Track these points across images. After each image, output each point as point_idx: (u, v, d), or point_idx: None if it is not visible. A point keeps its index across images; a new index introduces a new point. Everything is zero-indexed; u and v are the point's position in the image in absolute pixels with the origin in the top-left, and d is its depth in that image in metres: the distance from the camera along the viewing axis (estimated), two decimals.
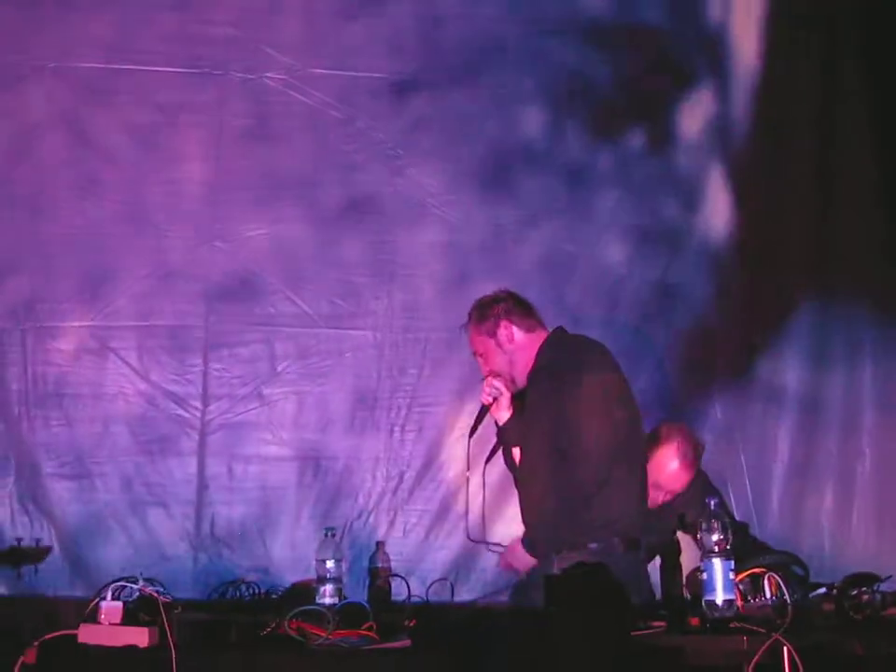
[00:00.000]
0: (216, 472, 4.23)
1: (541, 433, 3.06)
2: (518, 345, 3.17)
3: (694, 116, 4.55)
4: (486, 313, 3.23)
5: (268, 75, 4.38)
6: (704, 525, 2.83)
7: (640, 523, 3.14)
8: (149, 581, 2.95)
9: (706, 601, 2.80)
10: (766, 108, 4.56)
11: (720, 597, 2.77)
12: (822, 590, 2.98)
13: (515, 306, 3.24)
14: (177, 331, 4.31)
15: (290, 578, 3.44)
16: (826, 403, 4.49)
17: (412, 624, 2.82)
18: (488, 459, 3.25)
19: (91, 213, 4.30)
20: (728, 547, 2.77)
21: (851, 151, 4.51)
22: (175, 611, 2.77)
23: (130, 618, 2.80)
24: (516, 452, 3.20)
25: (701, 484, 3.68)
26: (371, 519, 4.22)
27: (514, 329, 3.19)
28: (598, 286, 4.43)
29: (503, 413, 3.20)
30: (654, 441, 3.56)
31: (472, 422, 3.28)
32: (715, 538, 2.80)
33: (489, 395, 3.20)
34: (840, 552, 4.36)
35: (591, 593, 2.66)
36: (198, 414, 4.27)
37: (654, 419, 3.88)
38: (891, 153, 4.50)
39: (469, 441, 3.24)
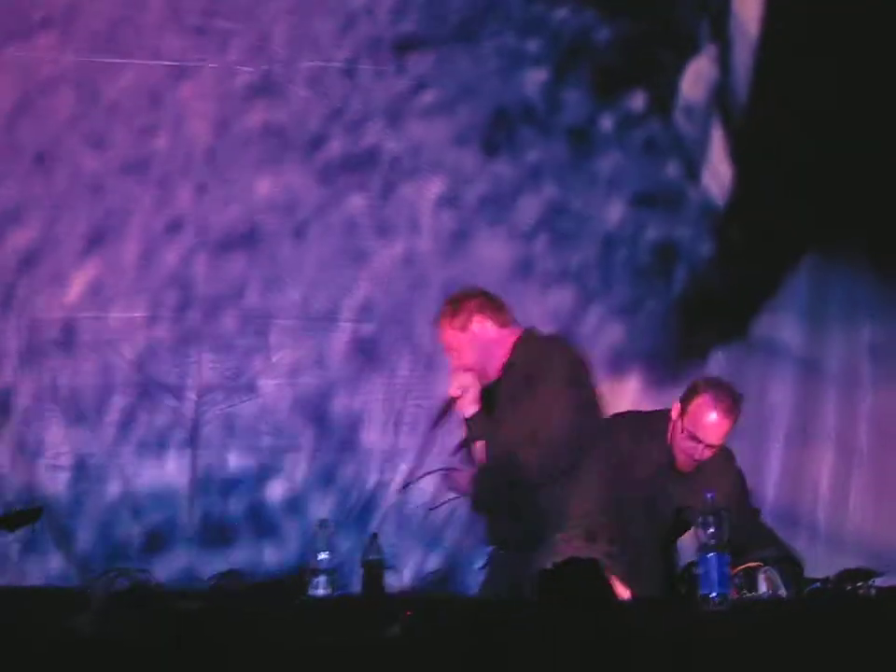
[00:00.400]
0: (209, 463, 4.20)
1: (512, 425, 3.13)
2: (492, 340, 3.23)
3: (695, 80, 4.54)
4: (460, 307, 3.27)
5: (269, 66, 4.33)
6: (700, 519, 2.81)
7: (601, 517, 3.17)
8: (141, 570, 2.94)
9: (701, 595, 2.78)
10: (767, 72, 4.53)
11: (715, 592, 2.75)
12: (817, 584, 2.96)
13: (488, 302, 3.28)
14: (172, 323, 4.26)
15: (285, 569, 3.43)
16: (824, 365, 4.49)
17: (406, 616, 2.82)
18: (455, 452, 3.28)
19: (89, 199, 4.25)
20: (725, 541, 2.75)
21: (851, 112, 4.48)
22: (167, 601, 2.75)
23: (122, 608, 2.78)
24: (478, 446, 3.26)
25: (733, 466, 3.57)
26: (366, 512, 4.20)
27: (488, 323, 3.24)
28: (599, 245, 4.42)
29: (471, 407, 3.25)
30: (691, 392, 3.47)
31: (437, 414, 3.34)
32: (711, 531, 2.78)
33: (458, 388, 3.26)
34: (837, 527, 4.36)
35: (583, 587, 2.63)
36: (192, 406, 4.23)
37: (653, 381, 3.85)
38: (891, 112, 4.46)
39: (432, 434, 3.29)
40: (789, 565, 3.04)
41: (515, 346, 3.21)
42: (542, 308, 4.25)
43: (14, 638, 2.72)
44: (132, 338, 4.19)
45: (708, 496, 2.86)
